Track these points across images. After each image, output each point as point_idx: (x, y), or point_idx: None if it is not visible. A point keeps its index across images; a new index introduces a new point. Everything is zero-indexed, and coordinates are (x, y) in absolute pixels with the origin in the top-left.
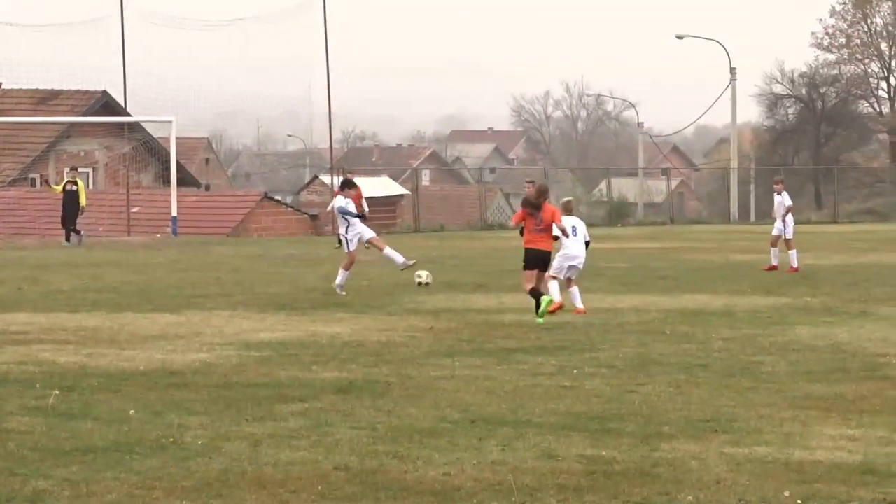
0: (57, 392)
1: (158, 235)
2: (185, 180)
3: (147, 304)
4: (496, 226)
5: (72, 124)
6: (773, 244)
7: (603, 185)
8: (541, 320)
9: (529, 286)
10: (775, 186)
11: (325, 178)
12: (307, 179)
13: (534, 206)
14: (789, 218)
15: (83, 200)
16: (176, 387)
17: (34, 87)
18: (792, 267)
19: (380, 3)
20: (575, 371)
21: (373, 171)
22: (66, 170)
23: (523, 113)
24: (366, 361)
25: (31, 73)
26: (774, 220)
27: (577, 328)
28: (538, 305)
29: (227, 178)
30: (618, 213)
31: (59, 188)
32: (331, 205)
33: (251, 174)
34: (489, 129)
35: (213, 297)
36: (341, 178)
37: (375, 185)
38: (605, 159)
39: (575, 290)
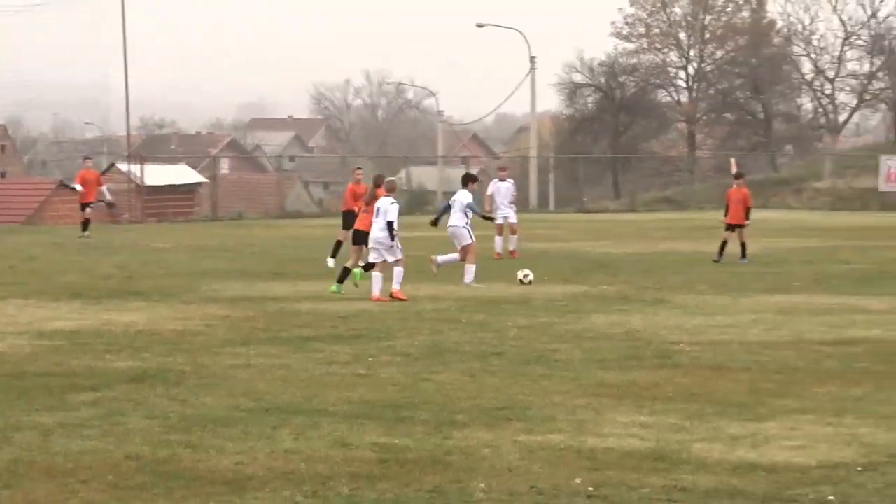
0: None
1: None
2: None
3: None
4: (295, 214)
5: None
6: (500, 232)
7: (403, 174)
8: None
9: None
10: (501, 174)
11: (123, 166)
12: (104, 167)
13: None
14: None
15: None
16: None
17: None
18: (512, 252)
19: None
20: (370, 359)
21: (171, 159)
22: None
23: (323, 101)
24: (160, 350)
25: None
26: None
27: (374, 316)
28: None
29: (24, 165)
30: (417, 201)
31: None
32: (454, 198)
33: (48, 162)
34: (289, 116)
35: (6, 286)
36: (464, 172)
37: (174, 173)
38: (405, 148)
39: (376, 276)
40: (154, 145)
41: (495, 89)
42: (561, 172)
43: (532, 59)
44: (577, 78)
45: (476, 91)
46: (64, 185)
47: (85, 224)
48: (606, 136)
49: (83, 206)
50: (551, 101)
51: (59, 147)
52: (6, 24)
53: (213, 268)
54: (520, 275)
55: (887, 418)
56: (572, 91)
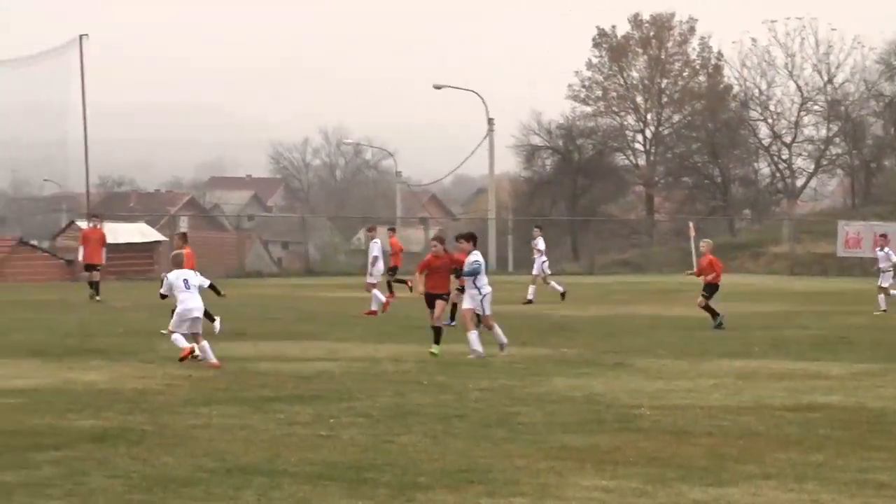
0: None
1: None
2: None
3: None
4: (254, 273)
5: None
6: None
7: (361, 234)
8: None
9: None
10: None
11: (82, 224)
12: (63, 224)
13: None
14: None
15: None
16: None
17: None
18: None
19: (137, 48)
20: (332, 420)
21: (130, 217)
22: None
23: (282, 160)
24: (122, 409)
25: None
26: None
27: (335, 377)
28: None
29: None
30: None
31: None
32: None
33: (6, 218)
34: (248, 175)
35: None
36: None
37: (133, 232)
38: (363, 207)
39: (205, 343)
40: (113, 203)
41: (453, 150)
42: (519, 234)
43: (490, 120)
44: (535, 140)
45: (434, 152)
46: (23, 243)
47: (93, 285)
48: (565, 199)
49: (88, 268)
50: (509, 163)
51: (17, 204)
52: None
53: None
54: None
55: (848, 484)
56: (530, 153)
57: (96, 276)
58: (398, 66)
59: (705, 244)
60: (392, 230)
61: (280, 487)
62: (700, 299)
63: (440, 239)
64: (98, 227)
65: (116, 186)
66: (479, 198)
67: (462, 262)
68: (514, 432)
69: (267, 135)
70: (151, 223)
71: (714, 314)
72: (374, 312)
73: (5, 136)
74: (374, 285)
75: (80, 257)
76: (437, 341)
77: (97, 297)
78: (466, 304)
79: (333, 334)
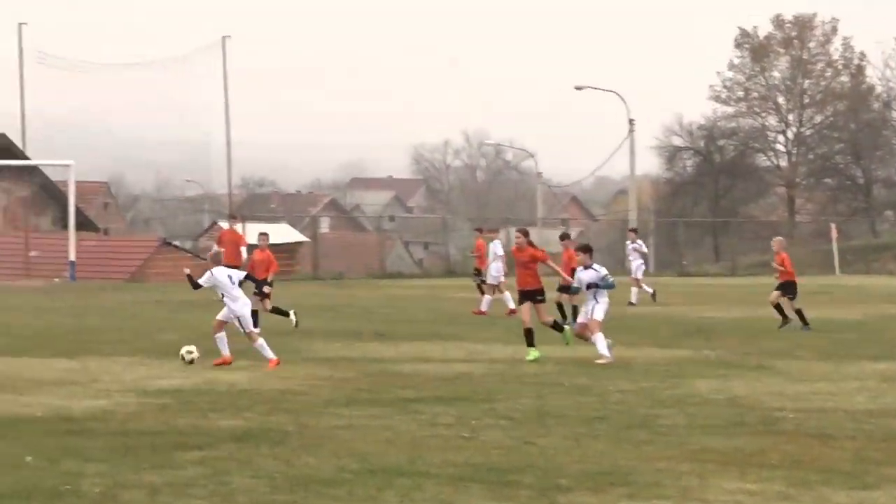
0: None
1: (56, 280)
2: (84, 225)
3: (45, 350)
4: (395, 274)
5: None
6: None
7: (502, 235)
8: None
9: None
10: (491, 235)
11: (224, 224)
12: (206, 225)
13: None
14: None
15: None
16: (73, 433)
17: None
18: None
19: (281, 49)
20: (473, 422)
21: (272, 218)
22: None
23: (423, 161)
24: (264, 409)
25: None
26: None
27: (476, 379)
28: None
29: (126, 222)
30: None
31: None
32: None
33: (150, 219)
34: (388, 176)
35: (111, 343)
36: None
37: (274, 232)
38: (504, 209)
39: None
40: (254, 204)
41: (594, 151)
42: (660, 235)
43: (631, 121)
44: (676, 141)
45: (574, 153)
46: (167, 243)
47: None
48: (706, 200)
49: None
50: (650, 164)
51: (160, 205)
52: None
53: (315, 327)
54: (183, 351)
55: None
56: (671, 154)
57: None
58: (539, 67)
59: (776, 242)
60: (479, 231)
61: (422, 489)
62: (774, 295)
63: (524, 231)
64: (236, 227)
65: (258, 187)
66: (620, 199)
67: (542, 257)
68: (656, 434)
69: (408, 136)
70: (293, 224)
71: (784, 316)
72: (482, 312)
73: (149, 137)
74: (494, 287)
75: None
76: (530, 343)
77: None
78: (600, 315)
79: (474, 336)
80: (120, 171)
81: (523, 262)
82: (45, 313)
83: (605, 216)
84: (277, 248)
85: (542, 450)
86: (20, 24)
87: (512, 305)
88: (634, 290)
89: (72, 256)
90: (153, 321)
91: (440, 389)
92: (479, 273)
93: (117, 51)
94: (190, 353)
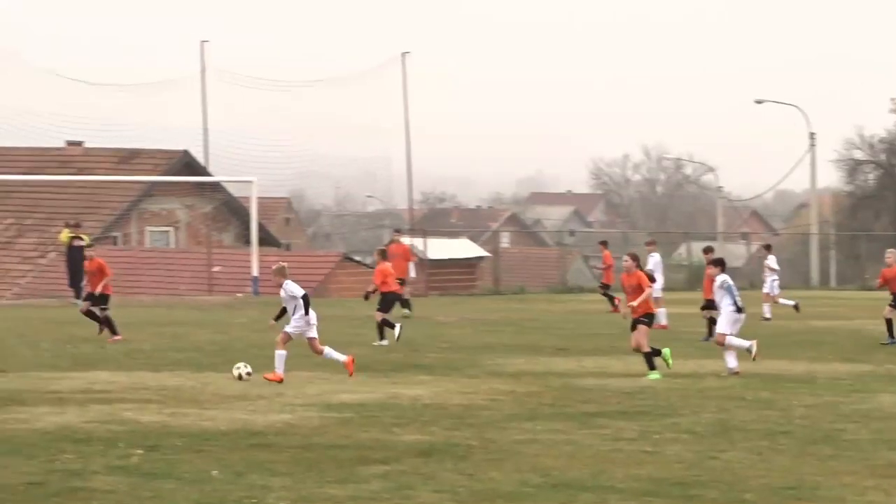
0: (140, 451)
1: (239, 295)
2: (266, 240)
3: (229, 364)
4: (576, 288)
5: (154, 183)
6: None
7: (682, 249)
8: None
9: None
10: (649, 247)
11: (405, 240)
12: (386, 241)
13: None
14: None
15: None
16: (258, 447)
17: (116, 146)
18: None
19: (459, 64)
20: (656, 436)
21: (452, 233)
22: (68, 224)
23: (602, 176)
24: (447, 424)
25: (112, 132)
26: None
27: (658, 393)
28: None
29: (307, 238)
30: (698, 276)
31: (65, 237)
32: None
33: (331, 234)
34: (568, 191)
35: (292, 358)
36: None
37: (456, 247)
38: (684, 222)
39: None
40: (435, 219)
41: (774, 165)
42: (841, 249)
43: (811, 135)
44: (857, 154)
45: (754, 167)
46: (348, 259)
47: (402, 301)
48: (888, 214)
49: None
50: (831, 178)
51: (341, 220)
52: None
53: (496, 342)
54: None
55: None
56: (852, 168)
57: (404, 291)
58: (717, 81)
59: (891, 254)
60: (603, 244)
61: (606, 503)
62: (888, 310)
63: (632, 255)
64: (401, 242)
65: (438, 202)
66: (801, 212)
67: (646, 284)
68: (840, 449)
69: (586, 150)
70: (473, 239)
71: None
72: (664, 326)
73: (329, 152)
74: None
75: None
76: (651, 367)
77: (407, 313)
78: (723, 328)
79: None
80: (301, 187)
81: (629, 287)
82: (228, 328)
83: (785, 230)
84: (458, 263)
85: (725, 464)
86: (202, 41)
87: (664, 321)
88: (766, 305)
89: (255, 272)
90: (334, 336)
91: (623, 404)
92: (605, 287)
93: (300, 67)
94: (238, 368)
